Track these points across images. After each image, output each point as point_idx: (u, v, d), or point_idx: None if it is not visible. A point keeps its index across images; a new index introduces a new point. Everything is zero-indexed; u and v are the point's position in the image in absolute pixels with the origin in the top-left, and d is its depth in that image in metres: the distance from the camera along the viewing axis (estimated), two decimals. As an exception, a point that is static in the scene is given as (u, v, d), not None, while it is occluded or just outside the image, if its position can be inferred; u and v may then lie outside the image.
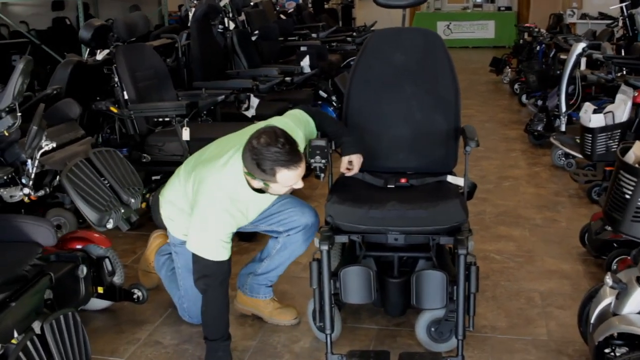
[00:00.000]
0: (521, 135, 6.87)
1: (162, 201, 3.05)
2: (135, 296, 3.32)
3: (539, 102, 6.88)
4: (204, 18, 5.25)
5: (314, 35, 7.26)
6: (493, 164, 5.88)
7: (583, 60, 5.43)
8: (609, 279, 2.50)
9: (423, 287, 2.77)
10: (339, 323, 3.01)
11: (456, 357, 2.72)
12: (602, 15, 11.23)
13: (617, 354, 2.48)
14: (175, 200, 2.98)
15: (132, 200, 2.90)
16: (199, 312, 3.06)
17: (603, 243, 3.64)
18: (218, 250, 2.73)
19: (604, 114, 4.14)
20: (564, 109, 5.50)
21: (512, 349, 2.99)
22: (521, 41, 9.28)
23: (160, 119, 4.23)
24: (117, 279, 3.33)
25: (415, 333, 2.98)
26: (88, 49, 4.55)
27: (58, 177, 2.80)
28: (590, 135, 4.23)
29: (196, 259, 2.76)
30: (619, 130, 4.12)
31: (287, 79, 5.52)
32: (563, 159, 5.63)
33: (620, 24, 7.64)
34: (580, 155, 5.34)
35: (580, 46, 5.33)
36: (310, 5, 9.64)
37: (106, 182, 2.88)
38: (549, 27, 9.88)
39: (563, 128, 5.65)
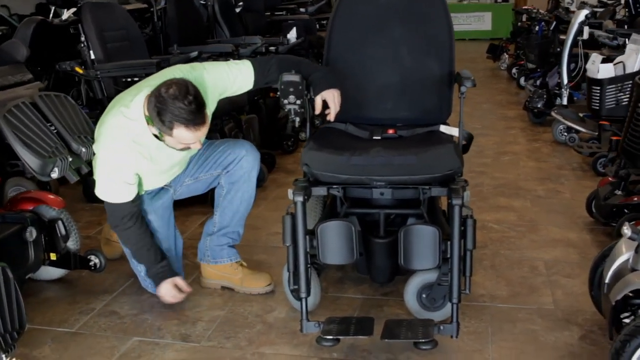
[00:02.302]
0: (520, 114, 6.53)
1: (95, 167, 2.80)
2: (92, 263, 2.97)
3: (538, 83, 6.55)
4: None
5: (302, 10, 6.91)
6: (491, 140, 5.53)
7: (586, 30, 5.08)
8: (627, 230, 2.16)
9: (412, 245, 2.42)
10: (317, 288, 2.65)
11: (450, 324, 2.37)
12: (602, 4, 10.92)
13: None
14: None
15: (83, 150, 2.55)
16: (159, 278, 2.78)
17: (612, 208, 3.30)
18: (118, 192, 2.63)
19: (614, 64, 3.80)
20: (565, 81, 5.18)
21: (514, 318, 2.64)
22: (519, 24, 8.93)
23: (129, 79, 3.87)
24: (71, 244, 2.98)
25: (405, 300, 2.62)
26: (53, 8, 4.20)
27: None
28: (598, 88, 3.89)
29: (107, 205, 2.67)
30: (630, 82, 3.77)
31: (272, 48, 5.17)
32: (565, 134, 5.29)
33: (623, 2, 7.31)
34: (583, 130, 5.03)
35: (583, 13, 5.02)
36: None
37: (53, 128, 2.54)
38: (547, 11, 9.53)
39: (565, 101, 5.33)
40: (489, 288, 2.89)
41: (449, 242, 2.39)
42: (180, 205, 3.47)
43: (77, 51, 4.16)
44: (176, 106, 2.39)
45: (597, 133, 4.85)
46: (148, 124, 2.54)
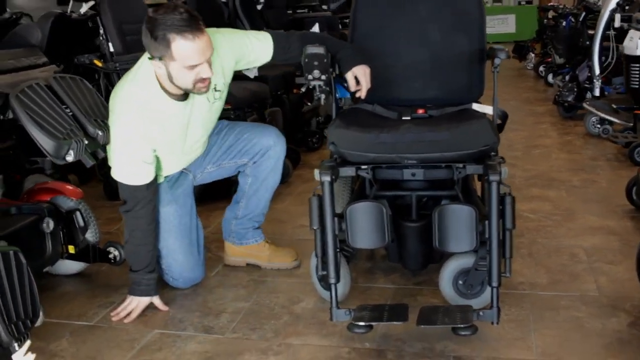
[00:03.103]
0: (549, 110, 6.36)
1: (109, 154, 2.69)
2: (111, 255, 2.86)
3: (567, 78, 6.36)
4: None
5: (324, 7, 6.80)
6: (520, 135, 5.36)
7: (617, 18, 4.90)
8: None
9: (448, 226, 2.27)
10: (347, 276, 2.51)
11: (490, 310, 2.21)
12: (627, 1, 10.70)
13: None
14: None
15: (100, 133, 2.43)
16: (181, 271, 2.73)
17: (656, 192, 3.13)
18: (135, 172, 2.50)
19: (655, 40, 3.63)
20: (597, 71, 4.98)
21: (556, 306, 2.48)
22: (545, 21, 8.75)
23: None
24: (90, 236, 2.88)
25: (440, 288, 2.47)
26: (71, 2, 4.12)
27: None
28: (637, 66, 3.70)
29: (120, 187, 2.54)
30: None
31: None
32: (598, 126, 5.11)
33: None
34: (617, 121, 4.85)
35: (614, 0, 4.81)
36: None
37: (68, 110, 2.43)
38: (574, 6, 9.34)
39: (597, 93, 5.14)
40: (527, 276, 2.73)
41: (486, 223, 2.24)
42: (204, 201, 3.38)
43: (95, 45, 4.08)
44: (167, 18, 2.25)
45: (631, 124, 4.67)
46: (156, 69, 2.39)
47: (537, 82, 8.34)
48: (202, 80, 2.37)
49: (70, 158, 2.35)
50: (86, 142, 2.41)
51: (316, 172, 2.32)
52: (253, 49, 2.63)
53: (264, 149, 2.79)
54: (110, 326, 2.50)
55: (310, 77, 2.42)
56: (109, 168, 3.67)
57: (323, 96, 2.48)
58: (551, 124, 5.80)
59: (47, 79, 2.50)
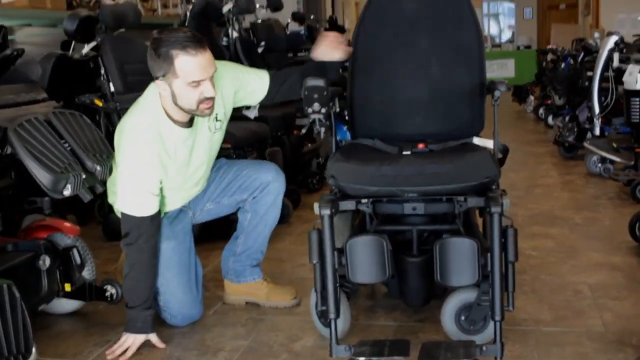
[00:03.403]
0: (550, 150, 6.36)
1: (110, 194, 2.72)
2: (108, 294, 2.81)
3: (567, 119, 6.38)
4: (202, 16, 4.87)
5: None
6: (522, 175, 5.35)
7: (616, 56, 4.93)
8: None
9: (449, 259, 2.23)
10: (347, 312, 2.46)
11: (494, 345, 2.16)
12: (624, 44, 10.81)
13: None
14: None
15: (98, 168, 2.42)
16: (179, 308, 2.69)
17: (660, 227, 3.10)
18: (142, 202, 2.47)
19: (654, 75, 3.64)
20: (597, 110, 5.00)
21: (561, 342, 2.42)
22: (544, 64, 8.83)
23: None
24: (87, 274, 2.83)
25: (442, 323, 2.43)
26: (73, 43, 4.15)
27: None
28: (637, 99, 3.71)
29: (124, 218, 2.51)
30: (673, 91, 3.60)
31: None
32: (599, 165, 5.11)
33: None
34: (618, 159, 4.85)
35: (612, 39, 4.86)
36: (323, 28, 9.30)
37: (67, 145, 2.42)
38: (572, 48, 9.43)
39: (597, 132, 5.15)
40: (531, 312, 2.68)
41: (488, 256, 2.20)
42: (203, 240, 3.34)
43: (96, 86, 4.09)
44: (171, 36, 2.33)
45: (632, 162, 4.67)
46: (161, 90, 2.42)
47: (537, 124, 8.37)
48: (206, 100, 2.40)
49: (67, 192, 2.34)
50: (84, 176, 2.40)
51: (316, 205, 2.30)
52: (250, 80, 2.69)
53: (264, 184, 2.78)
54: (106, 364, 2.45)
55: (309, 110, 2.41)
56: (109, 209, 3.67)
57: (323, 129, 2.47)
58: (552, 164, 5.79)
59: (46, 114, 2.50)
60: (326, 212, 2.24)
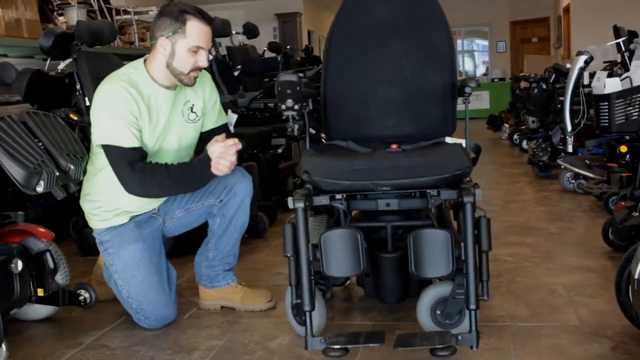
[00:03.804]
0: (525, 171, 6.44)
1: (82, 199, 2.75)
2: (81, 298, 2.77)
3: (541, 141, 6.48)
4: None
5: (300, 75, 6.88)
6: (497, 193, 5.40)
7: (586, 75, 5.03)
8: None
9: (423, 251, 2.23)
10: (322, 309, 2.44)
11: (469, 334, 2.16)
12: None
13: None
14: (87, 190, 2.72)
15: (72, 167, 2.41)
16: (153, 309, 2.66)
17: (631, 229, 3.13)
18: (122, 133, 2.48)
19: (621, 80, 3.70)
20: (569, 128, 5.08)
21: (537, 335, 2.43)
22: (517, 91, 8.97)
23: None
24: (60, 279, 2.79)
25: (418, 318, 2.42)
26: (48, 59, 4.15)
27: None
28: (606, 104, 3.77)
29: (111, 157, 2.50)
30: (639, 95, 3.66)
31: (270, 104, 5.11)
32: (572, 181, 5.18)
33: (619, 60, 7.32)
34: (592, 175, 4.91)
35: (582, 58, 4.97)
36: (298, 57, 9.38)
37: (41, 144, 2.41)
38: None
39: (570, 149, 5.22)
40: (507, 310, 2.69)
41: (462, 247, 2.21)
42: (176, 254, 3.31)
43: (72, 102, 4.09)
44: (186, 4, 2.54)
45: (605, 178, 4.74)
46: (157, 52, 2.56)
47: (512, 149, 8.46)
48: (198, 69, 2.57)
49: (40, 189, 2.32)
50: (57, 174, 2.38)
51: (289, 200, 2.30)
52: (215, 109, 2.85)
53: (229, 186, 2.78)
54: (77, 364, 2.41)
55: (283, 106, 2.44)
56: (83, 224, 3.64)
57: (296, 126, 2.48)
58: (527, 182, 5.86)
59: (20, 114, 2.49)
60: (300, 205, 2.24)
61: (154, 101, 2.58)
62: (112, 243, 2.66)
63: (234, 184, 2.78)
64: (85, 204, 2.73)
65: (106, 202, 2.64)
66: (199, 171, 2.58)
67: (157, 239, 2.76)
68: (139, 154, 2.52)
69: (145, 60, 2.63)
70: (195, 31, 2.52)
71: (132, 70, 2.61)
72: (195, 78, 2.61)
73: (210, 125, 2.83)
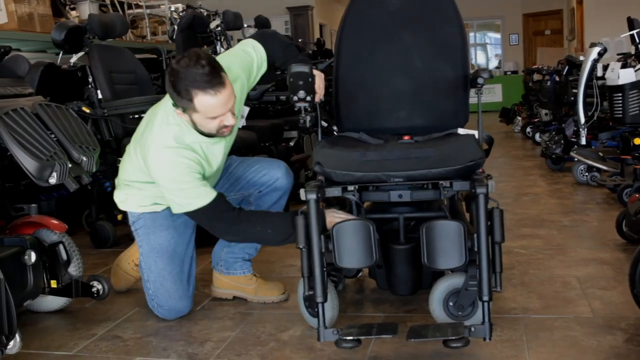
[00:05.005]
0: (538, 164, 6.40)
1: (118, 185, 2.72)
2: (94, 289, 2.79)
3: (554, 134, 6.44)
4: (190, 29, 4.90)
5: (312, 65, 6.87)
6: (510, 185, 5.38)
7: (599, 67, 5.00)
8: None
9: (436, 242, 2.22)
10: (334, 300, 2.44)
11: (482, 325, 2.15)
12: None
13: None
14: (131, 178, 2.65)
15: (84, 159, 2.42)
16: (167, 299, 2.67)
17: (646, 222, 3.11)
18: (199, 193, 2.43)
19: (635, 71, 3.67)
20: (582, 119, 5.05)
21: (550, 327, 2.42)
22: (530, 84, 8.92)
23: (137, 116, 3.79)
24: (73, 270, 2.81)
25: (430, 310, 2.41)
26: (61, 53, 4.16)
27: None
28: (620, 95, 3.74)
29: (197, 218, 2.49)
30: (654, 86, 3.64)
31: (282, 97, 5.10)
32: (586, 174, 5.15)
33: (633, 52, 7.27)
34: (605, 167, 4.87)
35: (595, 50, 4.92)
36: (310, 50, 9.36)
37: (53, 136, 2.42)
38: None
39: (584, 141, 5.18)
40: (520, 302, 2.68)
41: (475, 236, 2.20)
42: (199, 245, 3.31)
43: (85, 95, 4.10)
44: (189, 72, 2.25)
45: (618, 170, 4.70)
46: (180, 115, 2.40)
47: (525, 142, 8.43)
48: (226, 126, 2.41)
49: (53, 180, 2.33)
50: (70, 165, 2.39)
51: (301, 191, 2.30)
52: (253, 56, 2.71)
53: (272, 180, 2.77)
54: (91, 355, 2.42)
55: (295, 98, 2.43)
56: (97, 217, 3.66)
57: (309, 118, 2.48)
58: (540, 175, 5.83)
59: (32, 106, 2.50)
60: (312, 196, 2.24)
61: (210, 153, 2.54)
62: (144, 225, 2.67)
63: (277, 179, 2.78)
64: (124, 189, 2.70)
65: (147, 193, 2.63)
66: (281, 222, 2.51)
67: (189, 227, 2.74)
68: (220, 201, 2.46)
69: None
70: (206, 106, 2.31)
71: (177, 129, 2.45)
72: (229, 130, 2.46)
73: (264, 60, 2.77)
